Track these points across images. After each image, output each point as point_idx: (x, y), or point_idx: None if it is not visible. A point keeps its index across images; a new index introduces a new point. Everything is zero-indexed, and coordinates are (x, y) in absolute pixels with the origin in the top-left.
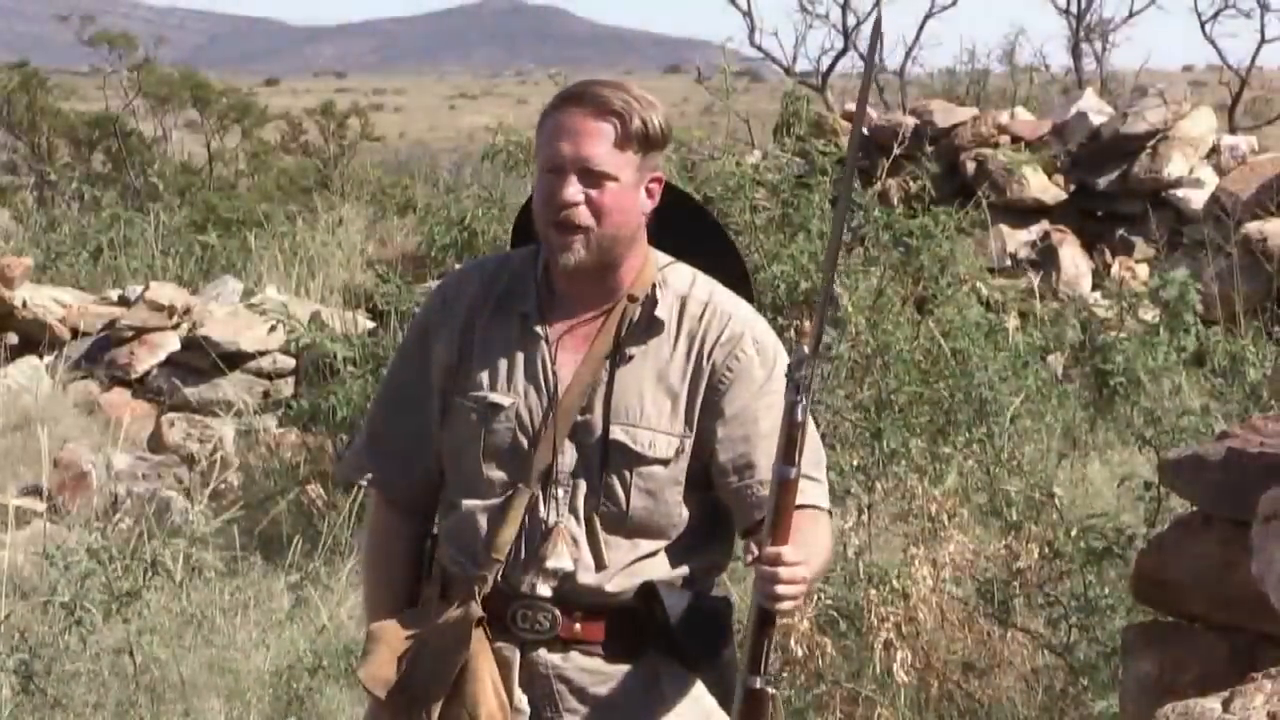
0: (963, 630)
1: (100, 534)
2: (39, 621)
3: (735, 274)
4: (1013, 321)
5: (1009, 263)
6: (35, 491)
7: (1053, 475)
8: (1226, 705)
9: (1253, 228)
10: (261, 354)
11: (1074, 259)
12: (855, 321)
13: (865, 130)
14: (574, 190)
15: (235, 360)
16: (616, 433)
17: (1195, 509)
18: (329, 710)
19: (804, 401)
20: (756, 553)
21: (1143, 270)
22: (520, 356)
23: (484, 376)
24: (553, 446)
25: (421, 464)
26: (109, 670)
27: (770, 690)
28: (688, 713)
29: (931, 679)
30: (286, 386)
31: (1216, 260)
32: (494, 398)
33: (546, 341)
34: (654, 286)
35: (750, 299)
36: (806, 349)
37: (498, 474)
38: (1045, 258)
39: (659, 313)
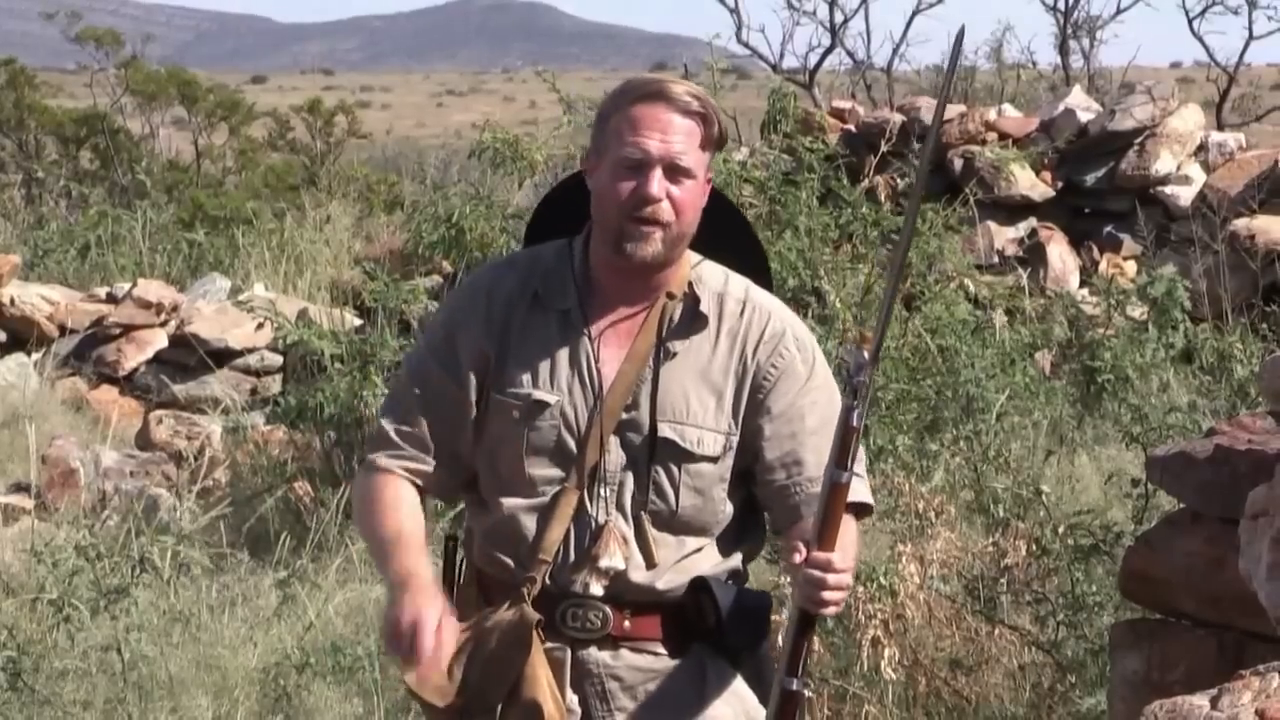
0: (950, 627)
1: (88, 531)
2: (27, 619)
3: (759, 271)
4: (1000, 318)
5: (996, 260)
6: (23, 488)
7: (1040, 472)
8: (1215, 702)
9: (1240, 224)
10: (249, 351)
11: (1061, 256)
12: (843, 318)
13: (852, 127)
14: (661, 186)
15: (223, 358)
16: (665, 430)
17: (1183, 506)
18: (316, 707)
19: (860, 407)
20: (804, 554)
21: (1130, 267)
22: (563, 353)
23: (525, 374)
24: (600, 444)
25: (449, 460)
26: (97, 667)
27: (806, 693)
28: (730, 707)
29: (919, 676)
30: (274, 383)
31: (1204, 257)
32: (538, 395)
33: (589, 338)
34: (691, 284)
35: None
36: (865, 355)
37: (541, 472)
38: (1033, 254)
39: (703, 309)
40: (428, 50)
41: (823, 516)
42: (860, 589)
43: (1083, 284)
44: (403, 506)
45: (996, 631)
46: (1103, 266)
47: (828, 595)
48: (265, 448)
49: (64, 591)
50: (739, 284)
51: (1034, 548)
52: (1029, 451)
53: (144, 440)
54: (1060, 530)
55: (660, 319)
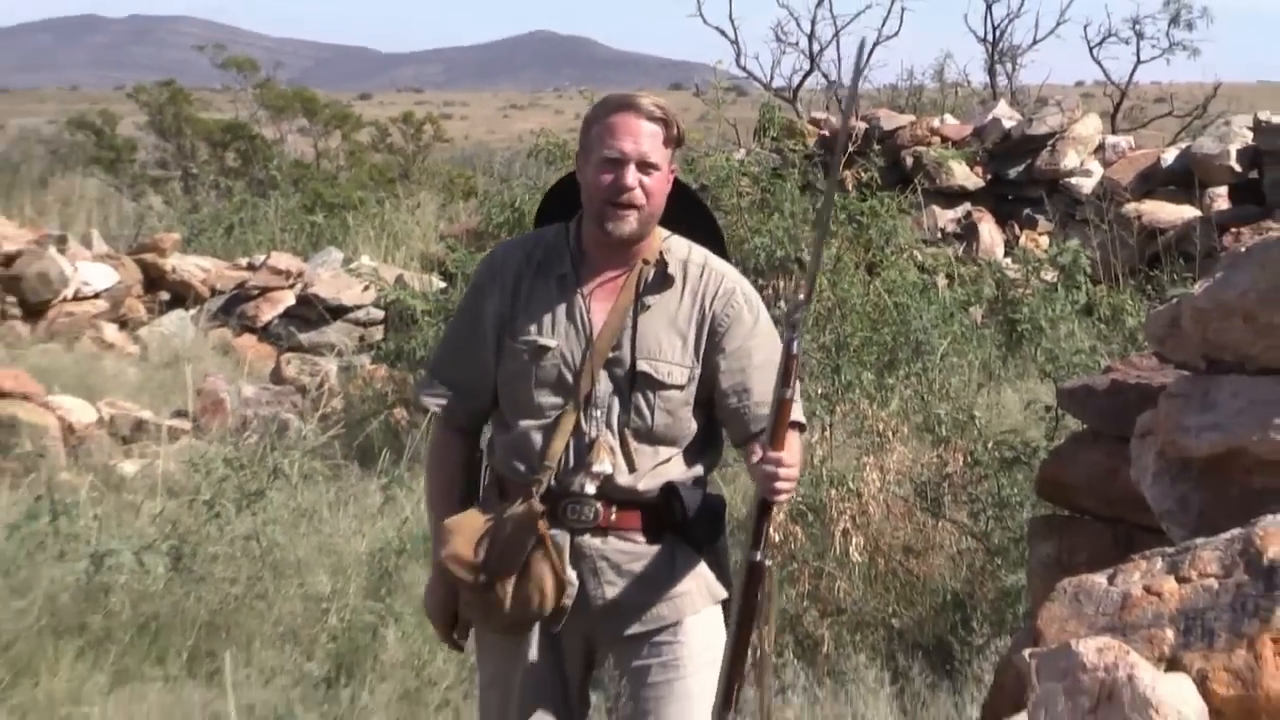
0: (904, 521)
1: (233, 447)
2: (186, 515)
3: (717, 244)
4: (942, 281)
5: (939, 236)
6: (182, 414)
7: (973, 401)
8: (1111, 580)
9: (1130, 208)
10: (358, 308)
11: (990, 233)
12: (820, 282)
13: (826, 133)
14: (634, 178)
15: (338, 312)
16: (643, 365)
17: (1086, 427)
18: (411, 583)
19: (797, 338)
20: (760, 455)
21: (1044, 241)
22: (561, 308)
23: (532, 324)
24: (591, 376)
25: (475, 395)
26: (240, 552)
27: (767, 563)
28: (694, 582)
29: (879, 559)
30: (378, 332)
31: (1101, 233)
32: (542, 340)
33: (582, 295)
34: (662, 253)
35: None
36: (801, 296)
37: (546, 400)
38: (967, 232)
39: (671, 271)
40: (496, 74)
41: (773, 424)
42: (833, 491)
43: (1007, 254)
44: (448, 460)
45: (940, 524)
46: (1022, 241)
47: (780, 485)
48: (371, 382)
49: (215, 493)
50: (700, 253)
51: (969, 459)
52: (965, 384)
53: (276, 377)
54: (989, 445)
55: (638, 280)
